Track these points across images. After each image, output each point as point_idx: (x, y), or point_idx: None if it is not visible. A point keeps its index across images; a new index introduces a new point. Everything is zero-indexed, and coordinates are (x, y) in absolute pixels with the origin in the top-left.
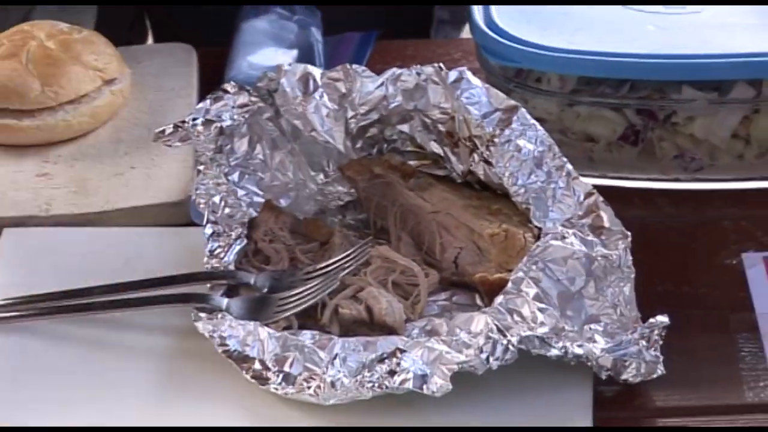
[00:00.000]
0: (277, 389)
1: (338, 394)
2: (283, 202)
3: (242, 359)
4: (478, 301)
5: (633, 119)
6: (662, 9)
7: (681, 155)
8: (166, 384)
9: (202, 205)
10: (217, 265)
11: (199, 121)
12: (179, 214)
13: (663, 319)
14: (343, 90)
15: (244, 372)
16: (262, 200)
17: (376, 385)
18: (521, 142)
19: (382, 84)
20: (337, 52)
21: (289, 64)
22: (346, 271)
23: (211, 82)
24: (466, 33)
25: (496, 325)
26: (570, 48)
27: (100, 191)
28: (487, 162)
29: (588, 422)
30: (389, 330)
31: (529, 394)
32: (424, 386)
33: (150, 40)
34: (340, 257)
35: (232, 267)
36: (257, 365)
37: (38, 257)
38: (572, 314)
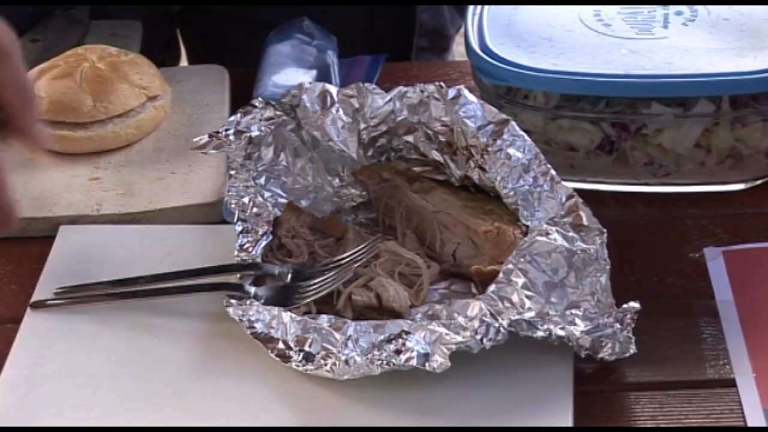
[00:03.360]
0: (298, 366)
1: (351, 371)
2: (303, 203)
3: (268, 340)
4: (474, 290)
5: (608, 131)
6: (634, 35)
7: (650, 162)
8: (201, 361)
9: (233, 206)
10: (246, 258)
11: (230, 132)
12: (213, 213)
13: (634, 305)
14: (356, 105)
15: (269, 351)
16: (285, 201)
17: (385, 362)
18: (511, 151)
19: (390, 100)
20: (350, 72)
21: (309, 83)
22: (359, 263)
23: (241, 99)
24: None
25: (489, 311)
26: (553, 69)
27: (144, 193)
28: (482, 168)
29: (569, 395)
30: (396, 314)
31: (517, 370)
32: (426, 363)
33: (183, 62)
34: (353, 251)
35: (259, 260)
36: (281, 345)
37: (90, 251)
38: (555, 301)
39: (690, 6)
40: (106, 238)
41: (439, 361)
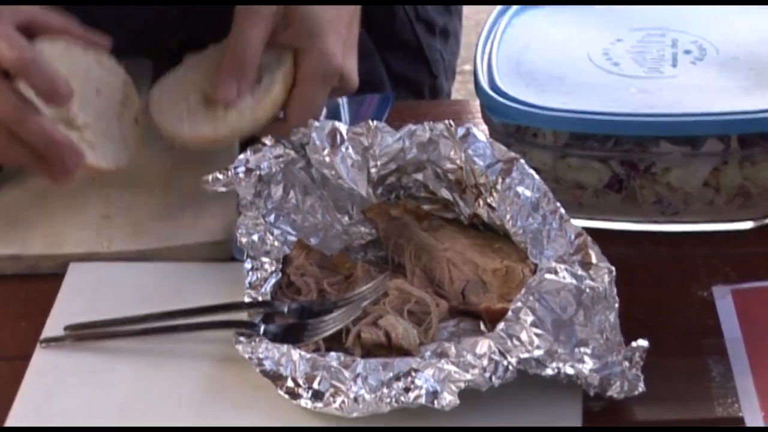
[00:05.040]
0: (307, 404)
1: (360, 408)
2: (313, 241)
3: (277, 377)
4: (482, 328)
5: (617, 170)
6: (643, 74)
7: (659, 201)
8: (211, 398)
9: (242, 243)
10: (256, 295)
11: (240, 170)
12: (223, 251)
13: (643, 343)
14: (366, 143)
15: (278, 389)
16: (294, 239)
17: (394, 400)
18: (520, 189)
19: (399, 138)
20: (360, 111)
21: (319, 121)
22: (368, 301)
23: (250, 137)
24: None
25: (498, 348)
26: (562, 108)
27: (154, 231)
28: (491, 206)
29: None
30: (405, 352)
31: (526, 408)
32: (435, 401)
33: None
34: (362, 289)
35: (268, 297)
36: (290, 383)
37: (100, 288)
38: (564, 339)
39: (699, 45)
40: (117, 275)
41: (448, 398)
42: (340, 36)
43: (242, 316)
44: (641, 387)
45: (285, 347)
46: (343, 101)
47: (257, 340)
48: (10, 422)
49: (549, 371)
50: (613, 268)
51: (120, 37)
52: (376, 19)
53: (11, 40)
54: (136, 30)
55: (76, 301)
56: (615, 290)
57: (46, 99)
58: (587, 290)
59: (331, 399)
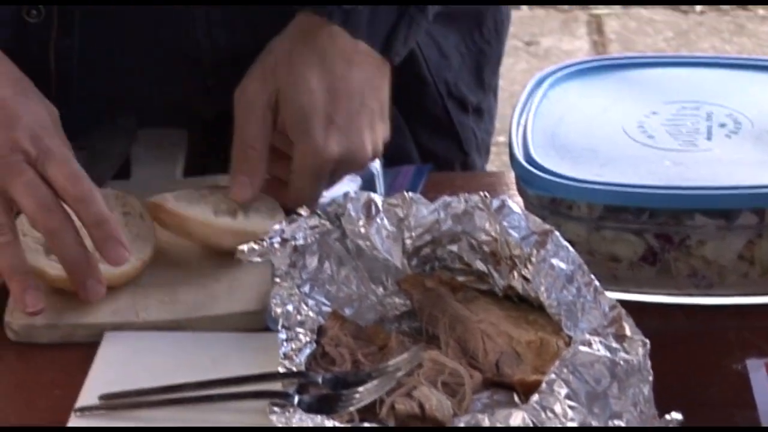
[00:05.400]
0: None
1: None
2: (347, 311)
3: None
4: (516, 399)
5: (652, 242)
6: (678, 147)
7: (693, 274)
8: None
9: (277, 313)
10: (290, 365)
11: (276, 240)
12: (257, 321)
13: (677, 416)
14: (401, 215)
15: None
16: (329, 309)
17: None
18: (555, 262)
19: (434, 210)
20: (395, 182)
21: (355, 192)
22: (402, 372)
23: (285, 208)
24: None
25: (532, 420)
26: (597, 180)
27: (189, 300)
28: (525, 278)
29: None
30: (439, 424)
31: None
32: None
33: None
34: (396, 360)
35: (302, 367)
36: None
37: (135, 357)
38: (598, 411)
39: (733, 118)
40: (151, 344)
41: None
42: (329, 121)
43: (276, 386)
44: None
45: (319, 418)
46: (378, 172)
47: (291, 410)
48: None
49: None
50: (648, 341)
51: (156, 108)
52: (407, 95)
53: (69, 167)
54: (173, 101)
55: (110, 370)
56: (649, 363)
57: (98, 245)
58: (621, 363)
59: None
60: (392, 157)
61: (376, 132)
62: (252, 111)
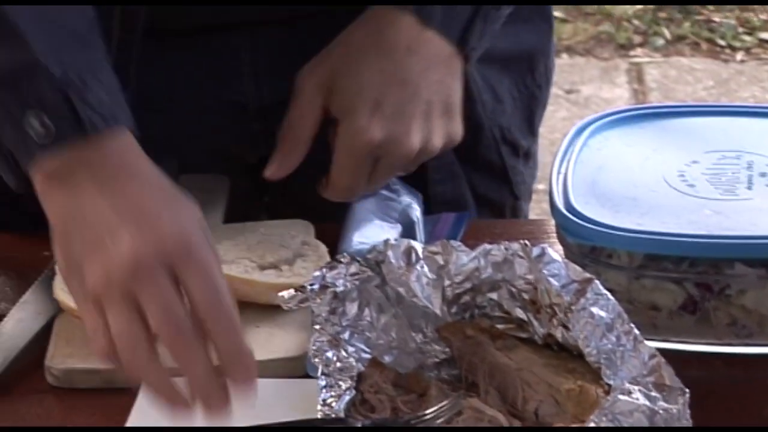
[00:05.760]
0: None
1: None
2: (387, 359)
3: None
4: None
5: (692, 291)
6: (718, 196)
7: (733, 323)
8: None
9: (316, 360)
10: (329, 412)
11: (316, 287)
12: (297, 368)
13: None
14: (441, 262)
15: None
16: (369, 356)
17: None
18: (594, 310)
19: (474, 257)
20: (435, 229)
21: (395, 239)
22: (441, 419)
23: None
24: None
25: None
26: (637, 229)
27: None
28: (565, 327)
29: None
30: None
31: None
32: None
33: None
34: (436, 408)
35: (342, 414)
36: None
37: None
38: None
39: None
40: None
41: None
42: (376, 104)
43: None
44: None
45: None
46: (418, 219)
47: None
48: None
49: None
50: (687, 390)
51: (200, 153)
52: (464, 140)
53: (213, 282)
54: (217, 147)
55: (150, 415)
56: (689, 412)
57: (228, 373)
58: (661, 412)
59: None
60: (450, 202)
61: (432, 126)
62: (301, 92)
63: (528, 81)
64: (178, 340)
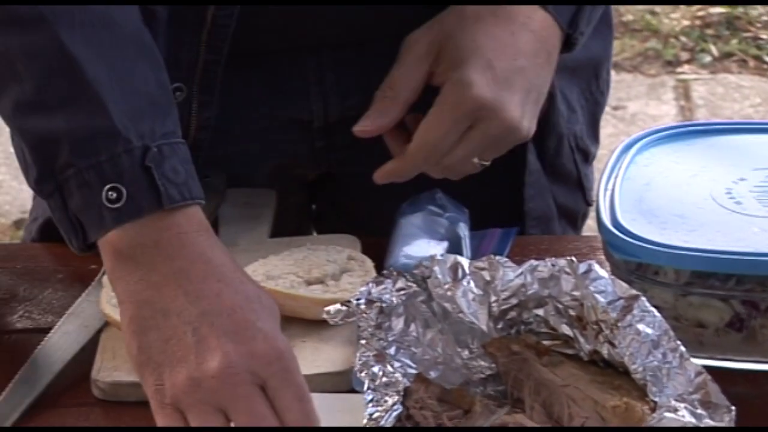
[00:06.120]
0: None
1: None
2: (432, 374)
3: None
4: None
5: (738, 309)
6: (765, 213)
7: None
8: None
9: (362, 375)
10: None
11: (362, 302)
12: (343, 382)
13: None
14: (488, 278)
15: None
16: (414, 372)
17: None
18: (641, 327)
19: (521, 273)
20: (481, 245)
21: (441, 255)
22: None
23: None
24: (592, 231)
25: None
26: (684, 246)
27: None
28: (611, 343)
29: None
30: None
31: None
32: None
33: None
34: (482, 424)
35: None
36: None
37: None
38: None
39: None
40: None
41: None
42: (488, 65)
43: None
44: None
45: None
46: (465, 235)
47: None
48: None
49: None
50: (733, 408)
51: (256, 168)
52: (548, 152)
53: (305, 404)
54: (278, 162)
55: None
56: None
57: None
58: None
59: None
60: (540, 218)
61: (527, 107)
62: (409, 50)
63: (593, 87)
64: None
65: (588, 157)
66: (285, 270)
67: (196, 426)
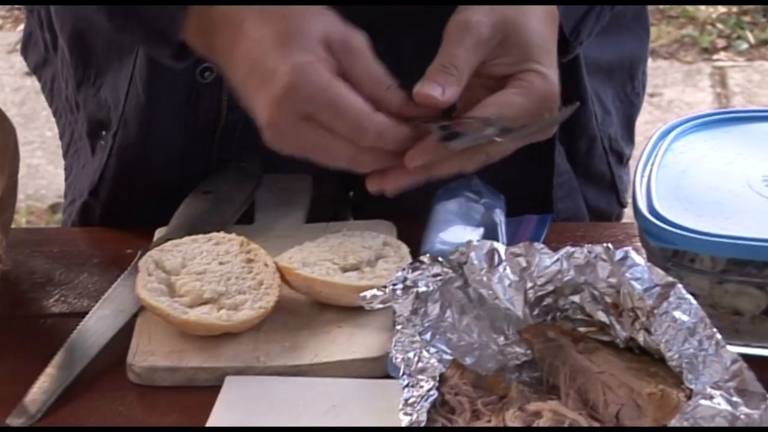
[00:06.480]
0: None
1: None
2: (468, 360)
3: None
4: None
5: None
6: None
7: None
8: None
9: (398, 360)
10: (411, 412)
11: (398, 287)
12: (378, 368)
13: None
14: (524, 264)
15: None
16: (450, 357)
17: None
18: (677, 314)
19: (557, 260)
20: (517, 231)
21: (477, 241)
22: None
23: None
24: (628, 218)
25: None
26: (721, 233)
27: (310, 346)
28: (647, 330)
29: None
30: None
31: None
32: None
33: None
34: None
35: (424, 415)
36: None
37: (255, 401)
38: None
39: None
40: (271, 389)
41: None
42: (553, 60)
43: None
44: None
45: None
46: (501, 221)
47: None
48: None
49: None
50: None
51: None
52: (579, 154)
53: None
54: None
55: (231, 414)
56: None
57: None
58: (742, 417)
59: None
60: (570, 219)
61: None
62: (467, 36)
63: (628, 89)
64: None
65: (622, 159)
66: (321, 257)
67: None
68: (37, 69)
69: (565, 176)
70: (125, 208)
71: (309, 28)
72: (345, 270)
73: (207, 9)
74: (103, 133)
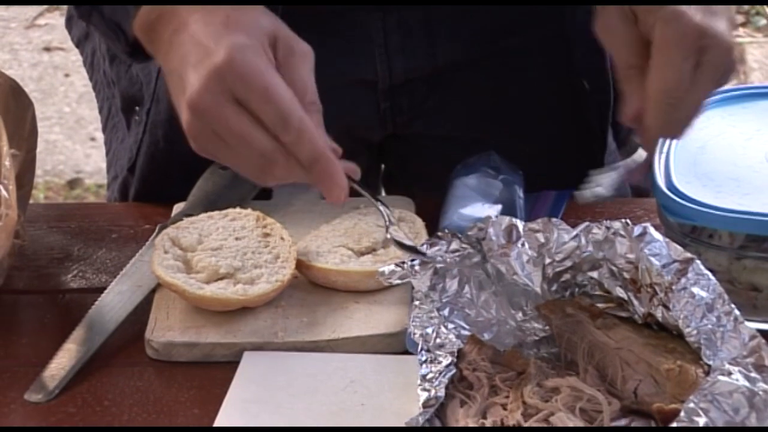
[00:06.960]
0: None
1: None
2: (486, 336)
3: None
4: (654, 427)
5: None
6: None
7: None
8: None
9: (416, 336)
10: (429, 387)
11: (417, 263)
12: (396, 343)
13: None
14: (542, 240)
15: None
16: (468, 333)
17: None
18: (695, 290)
19: (576, 236)
20: (535, 207)
21: (496, 216)
22: None
23: (426, 229)
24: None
25: None
26: (739, 209)
27: (328, 322)
28: (665, 306)
29: None
30: None
31: None
32: None
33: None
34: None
35: (442, 390)
36: None
37: (273, 376)
38: None
39: None
40: (290, 365)
41: None
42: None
43: None
44: None
45: None
46: (519, 197)
47: None
48: None
49: None
50: None
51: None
52: (622, 133)
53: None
54: (343, 125)
55: (249, 389)
56: None
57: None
58: (760, 393)
59: None
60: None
61: (732, 34)
62: (612, 38)
63: None
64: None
65: None
66: (335, 243)
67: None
68: (79, 43)
69: (613, 155)
70: (158, 185)
71: (257, 20)
72: (360, 254)
73: (159, 7)
74: (137, 108)
